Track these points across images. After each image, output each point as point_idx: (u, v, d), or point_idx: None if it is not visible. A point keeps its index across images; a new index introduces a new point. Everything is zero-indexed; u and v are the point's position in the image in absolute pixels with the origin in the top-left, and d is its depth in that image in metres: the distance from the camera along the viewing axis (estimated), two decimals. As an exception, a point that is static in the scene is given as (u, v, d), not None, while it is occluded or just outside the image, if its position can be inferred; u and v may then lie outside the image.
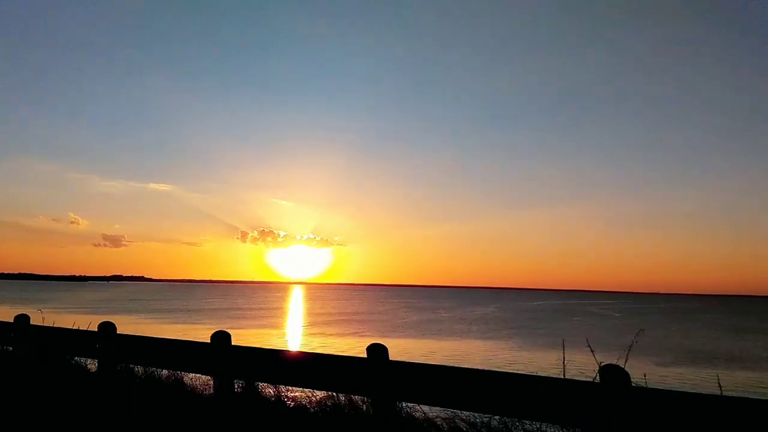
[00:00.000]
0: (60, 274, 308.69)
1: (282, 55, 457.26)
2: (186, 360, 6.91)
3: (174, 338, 7.61)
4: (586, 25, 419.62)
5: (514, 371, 5.09)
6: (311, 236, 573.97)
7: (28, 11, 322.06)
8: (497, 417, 5.00)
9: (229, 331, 6.53)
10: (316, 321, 49.76)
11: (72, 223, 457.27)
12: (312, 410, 6.20)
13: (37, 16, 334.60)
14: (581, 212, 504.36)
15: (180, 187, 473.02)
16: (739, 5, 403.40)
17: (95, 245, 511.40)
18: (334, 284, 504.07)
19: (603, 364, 4.30)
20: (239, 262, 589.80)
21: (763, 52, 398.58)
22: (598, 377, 4.25)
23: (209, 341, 6.58)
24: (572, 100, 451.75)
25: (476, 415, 5.13)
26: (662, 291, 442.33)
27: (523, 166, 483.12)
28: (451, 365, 5.25)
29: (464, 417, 5.25)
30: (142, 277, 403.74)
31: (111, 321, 7.72)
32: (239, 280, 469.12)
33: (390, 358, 5.32)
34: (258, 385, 6.63)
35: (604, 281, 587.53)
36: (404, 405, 5.45)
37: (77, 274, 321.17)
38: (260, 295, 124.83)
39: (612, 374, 4.21)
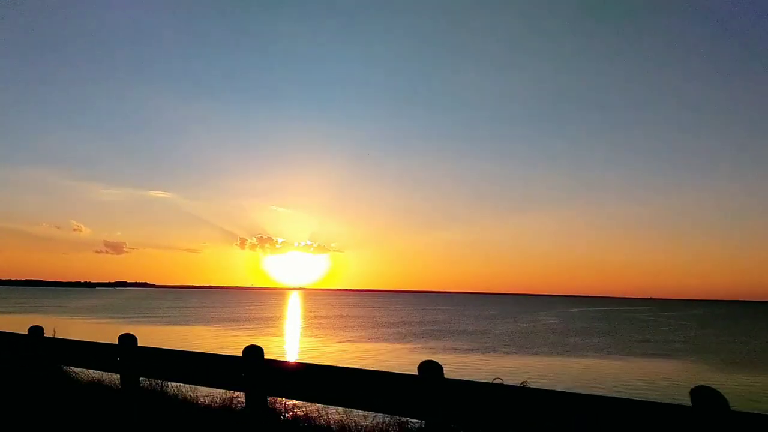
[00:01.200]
0: (66, 280, 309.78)
1: (280, 64, 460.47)
2: (215, 375, 6.45)
3: (200, 351, 7.19)
4: (587, 28, 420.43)
5: (588, 393, 4.51)
6: (309, 242, 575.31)
7: (31, 21, 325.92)
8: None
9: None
10: (392, 333, 40.66)
11: (74, 230, 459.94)
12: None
13: (40, 27, 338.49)
14: (581, 217, 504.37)
15: (180, 195, 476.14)
16: (738, 8, 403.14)
17: (97, 252, 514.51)
18: (331, 290, 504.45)
19: (695, 386, 3.81)
20: (238, 268, 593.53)
21: (763, 55, 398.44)
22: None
23: (240, 355, 6.12)
24: (572, 105, 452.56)
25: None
26: (659, 296, 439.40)
27: (522, 171, 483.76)
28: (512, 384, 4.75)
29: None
30: (146, 283, 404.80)
31: (132, 333, 7.27)
32: (238, 286, 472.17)
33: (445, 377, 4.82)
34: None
35: (604, 287, 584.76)
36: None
37: (82, 281, 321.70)
38: (280, 301, 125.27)
39: (706, 398, 3.70)
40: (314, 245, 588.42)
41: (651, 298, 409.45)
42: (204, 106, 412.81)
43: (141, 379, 7.17)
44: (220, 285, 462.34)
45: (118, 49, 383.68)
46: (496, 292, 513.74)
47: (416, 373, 4.91)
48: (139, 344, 7.20)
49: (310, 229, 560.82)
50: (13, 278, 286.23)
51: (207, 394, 7.00)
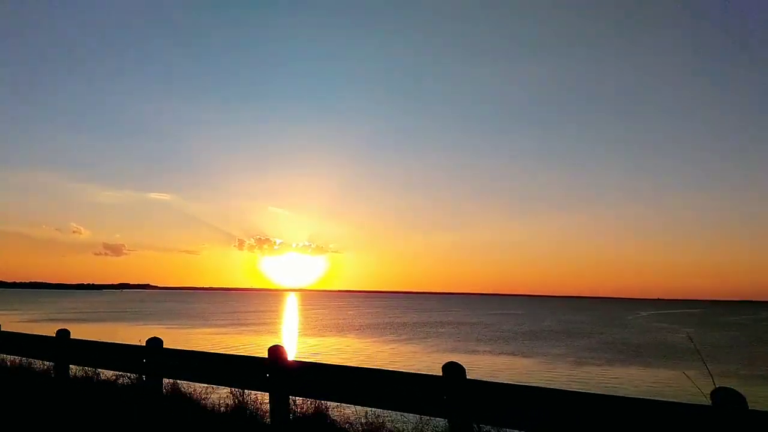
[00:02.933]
0: (68, 282, 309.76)
1: (279, 67, 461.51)
2: (240, 376, 6.62)
3: (226, 353, 7.38)
4: (591, 30, 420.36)
5: (617, 394, 4.65)
6: (307, 243, 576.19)
7: (31, 25, 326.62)
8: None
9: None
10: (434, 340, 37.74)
11: (74, 232, 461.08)
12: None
13: (40, 29, 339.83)
14: (583, 218, 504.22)
15: (179, 197, 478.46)
16: (738, 9, 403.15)
17: (96, 254, 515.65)
18: (329, 291, 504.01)
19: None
20: (236, 269, 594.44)
21: (763, 55, 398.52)
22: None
23: (266, 356, 6.31)
24: (575, 107, 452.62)
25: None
26: (664, 297, 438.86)
27: (523, 172, 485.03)
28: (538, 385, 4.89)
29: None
30: (148, 285, 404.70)
31: (158, 336, 7.46)
32: (235, 287, 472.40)
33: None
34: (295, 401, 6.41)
35: (606, 288, 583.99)
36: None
37: (85, 282, 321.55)
38: (292, 304, 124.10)
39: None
40: (312, 246, 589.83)
41: (658, 299, 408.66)
42: (203, 109, 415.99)
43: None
44: (218, 286, 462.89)
45: (118, 52, 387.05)
46: (495, 293, 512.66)
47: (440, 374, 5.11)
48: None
49: (309, 231, 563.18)
50: (13, 281, 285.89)
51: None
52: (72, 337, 8.51)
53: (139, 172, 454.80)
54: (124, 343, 8.09)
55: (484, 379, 5.15)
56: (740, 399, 3.84)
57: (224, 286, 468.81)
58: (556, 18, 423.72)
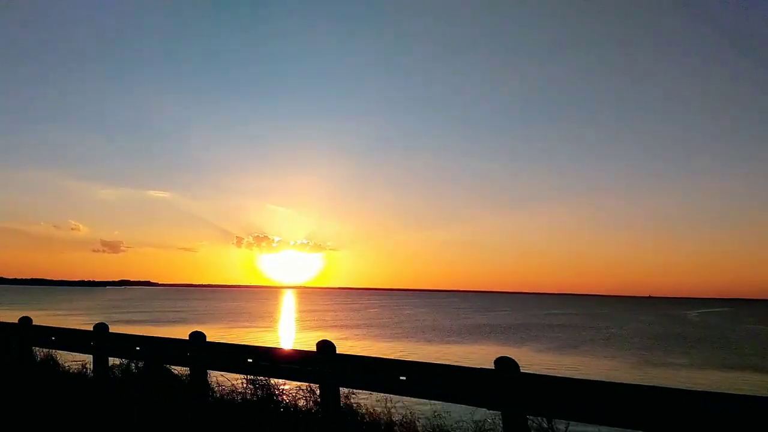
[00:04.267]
0: (69, 279, 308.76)
1: (278, 65, 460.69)
2: (286, 368, 6.77)
3: (269, 345, 7.51)
4: (583, 28, 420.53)
5: (675, 386, 4.75)
6: (305, 241, 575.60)
7: (28, 22, 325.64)
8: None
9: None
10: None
11: (72, 229, 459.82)
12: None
13: (38, 28, 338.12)
14: (578, 214, 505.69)
15: (178, 194, 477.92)
16: (736, 8, 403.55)
17: (94, 251, 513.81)
18: (325, 288, 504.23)
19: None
20: (234, 267, 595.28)
21: (761, 53, 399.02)
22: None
23: (315, 349, 6.46)
24: (569, 103, 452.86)
25: None
26: (656, 295, 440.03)
27: (518, 168, 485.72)
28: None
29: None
30: (149, 282, 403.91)
31: (201, 330, 7.60)
32: (233, 284, 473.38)
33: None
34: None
35: (600, 285, 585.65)
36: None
37: (86, 279, 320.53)
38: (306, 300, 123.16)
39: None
40: (310, 244, 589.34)
41: (649, 296, 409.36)
42: (202, 106, 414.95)
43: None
44: (217, 284, 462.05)
45: (116, 49, 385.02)
46: (492, 290, 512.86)
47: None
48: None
49: (307, 228, 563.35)
50: (13, 277, 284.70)
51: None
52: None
53: (137, 170, 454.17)
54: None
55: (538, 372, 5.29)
56: None
57: (222, 283, 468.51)
58: (555, 18, 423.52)
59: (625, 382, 4.91)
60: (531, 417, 5.16)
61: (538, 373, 5.28)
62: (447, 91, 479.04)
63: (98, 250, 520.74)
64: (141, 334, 8.64)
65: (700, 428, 4.15)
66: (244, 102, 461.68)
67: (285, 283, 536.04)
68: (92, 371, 8.72)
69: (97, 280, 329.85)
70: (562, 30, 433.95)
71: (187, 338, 7.59)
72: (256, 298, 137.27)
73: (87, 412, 6.77)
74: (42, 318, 35.29)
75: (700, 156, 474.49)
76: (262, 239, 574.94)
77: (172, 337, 8.34)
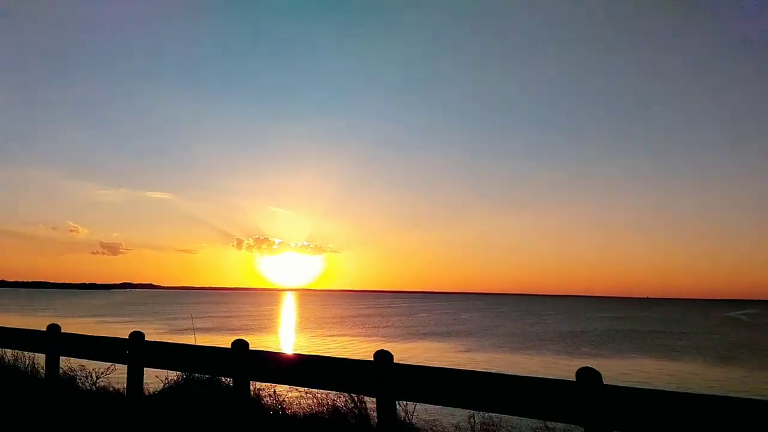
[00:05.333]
0: (70, 282, 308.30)
1: (278, 65, 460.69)
2: (342, 379, 6.47)
3: (311, 354, 7.24)
4: (587, 29, 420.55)
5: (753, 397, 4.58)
6: (305, 243, 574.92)
7: (27, 21, 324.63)
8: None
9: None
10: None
11: (71, 231, 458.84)
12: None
13: (37, 27, 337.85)
14: (581, 216, 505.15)
15: (178, 196, 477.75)
16: (736, 7, 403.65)
17: (93, 253, 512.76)
18: (328, 291, 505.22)
19: None
20: (234, 269, 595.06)
21: (762, 53, 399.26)
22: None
23: (372, 359, 6.14)
24: (571, 105, 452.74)
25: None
26: (654, 296, 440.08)
27: (520, 170, 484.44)
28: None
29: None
30: (151, 284, 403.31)
31: (244, 339, 7.30)
32: (234, 287, 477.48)
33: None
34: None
35: (602, 287, 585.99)
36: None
37: (88, 282, 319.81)
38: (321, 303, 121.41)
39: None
40: (311, 246, 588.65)
41: (647, 298, 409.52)
42: (202, 107, 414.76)
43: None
44: (217, 286, 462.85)
45: (116, 50, 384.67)
46: (494, 292, 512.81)
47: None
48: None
49: (308, 230, 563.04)
50: (15, 280, 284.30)
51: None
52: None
53: (137, 171, 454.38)
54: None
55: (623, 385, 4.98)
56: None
57: (222, 286, 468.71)
58: (561, 17, 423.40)
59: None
60: None
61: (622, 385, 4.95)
62: (449, 92, 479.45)
63: (97, 252, 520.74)
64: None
65: None
66: (245, 103, 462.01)
67: (285, 285, 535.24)
68: (125, 383, 8.39)
69: (99, 282, 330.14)
70: (568, 29, 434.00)
71: (231, 347, 7.27)
72: (277, 302, 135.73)
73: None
74: (73, 325, 34.86)
75: (711, 156, 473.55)
76: (262, 241, 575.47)
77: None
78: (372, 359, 6.14)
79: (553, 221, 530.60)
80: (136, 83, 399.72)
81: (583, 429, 4.89)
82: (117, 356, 8.56)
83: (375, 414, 6.14)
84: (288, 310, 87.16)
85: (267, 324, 55.44)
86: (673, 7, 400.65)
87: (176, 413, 7.03)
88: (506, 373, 5.72)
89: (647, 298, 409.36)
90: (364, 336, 40.55)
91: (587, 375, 4.86)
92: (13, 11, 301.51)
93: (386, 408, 5.96)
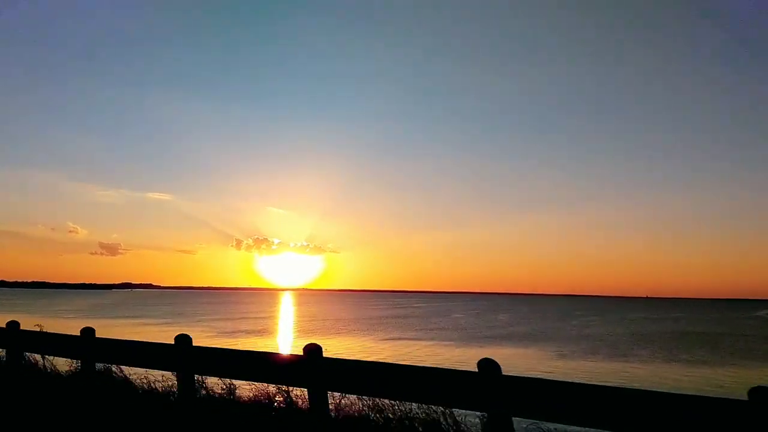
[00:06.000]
0: (71, 282, 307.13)
1: (278, 65, 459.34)
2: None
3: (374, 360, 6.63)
4: (586, 29, 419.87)
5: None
6: (305, 243, 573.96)
7: (28, 21, 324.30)
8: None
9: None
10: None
11: (70, 232, 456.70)
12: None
13: (37, 27, 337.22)
14: (581, 216, 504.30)
15: (178, 196, 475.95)
16: (737, 7, 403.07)
17: (92, 254, 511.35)
18: (326, 291, 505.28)
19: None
20: (233, 269, 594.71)
21: (762, 53, 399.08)
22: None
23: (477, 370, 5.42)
24: (571, 105, 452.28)
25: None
26: (654, 295, 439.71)
27: (521, 170, 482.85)
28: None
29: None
30: (150, 284, 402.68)
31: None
32: (234, 287, 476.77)
33: None
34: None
35: (600, 286, 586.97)
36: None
37: (87, 282, 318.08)
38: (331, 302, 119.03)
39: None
40: (311, 246, 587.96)
41: (647, 297, 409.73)
42: (203, 108, 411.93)
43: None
44: (216, 286, 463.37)
45: (115, 49, 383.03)
46: (494, 291, 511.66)
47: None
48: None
49: (307, 230, 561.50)
50: (14, 280, 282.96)
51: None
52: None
53: (137, 172, 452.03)
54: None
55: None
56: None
57: (222, 286, 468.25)
58: (562, 18, 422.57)
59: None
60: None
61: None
62: (450, 92, 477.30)
63: (96, 253, 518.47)
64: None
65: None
66: (245, 104, 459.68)
67: (284, 285, 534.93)
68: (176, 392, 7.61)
69: (99, 282, 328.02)
70: (570, 31, 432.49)
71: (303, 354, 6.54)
72: (307, 303, 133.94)
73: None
74: (107, 328, 33.01)
75: (711, 157, 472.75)
76: (261, 241, 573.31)
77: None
78: (476, 370, 5.40)
79: (555, 222, 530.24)
80: (135, 84, 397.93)
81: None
82: (164, 363, 7.78)
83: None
84: (324, 312, 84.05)
85: (325, 326, 51.26)
86: (674, 8, 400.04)
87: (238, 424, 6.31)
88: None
89: (647, 297, 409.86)
90: (431, 339, 37.57)
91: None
92: (12, 11, 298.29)
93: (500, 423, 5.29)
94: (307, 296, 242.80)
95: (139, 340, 9.01)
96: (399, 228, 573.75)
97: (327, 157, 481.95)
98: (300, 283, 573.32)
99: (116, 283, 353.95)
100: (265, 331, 43.88)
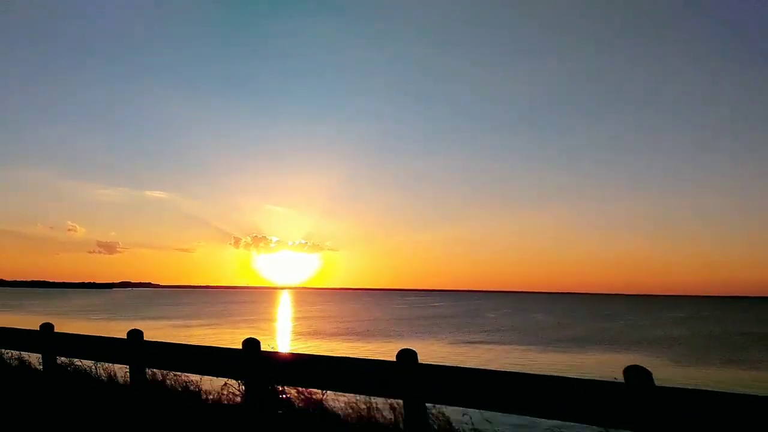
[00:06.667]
0: (71, 281, 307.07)
1: (276, 64, 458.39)
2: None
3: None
4: (582, 28, 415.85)
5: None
6: (303, 241, 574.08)
7: (28, 21, 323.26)
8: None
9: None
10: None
11: (69, 230, 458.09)
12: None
13: (37, 26, 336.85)
14: (577, 214, 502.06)
15: (176, 194, 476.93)
16: (738, 7, 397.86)
17: (90, 252, 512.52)
18: (324, 289, 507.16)
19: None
20: (231, 267, 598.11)
21: (762, 54, 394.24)
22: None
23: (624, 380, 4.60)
24: (569, 105, 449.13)
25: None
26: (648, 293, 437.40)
27: (518, 169, 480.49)
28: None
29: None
30: (150, 283, 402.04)
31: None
32: (232, 285, 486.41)
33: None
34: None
35: (596, 284, 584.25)
36: None
37: (86, 281, 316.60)
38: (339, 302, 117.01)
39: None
40: (308, 244, 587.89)
41: (641, 294, 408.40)
42: (201, 106, 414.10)
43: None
44: (214, 284, 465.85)
45: (114, 50, 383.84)
46: (492, 290, 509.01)
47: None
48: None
49: (305, 228, 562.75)
50: (13, 279, 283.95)
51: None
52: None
53: (136, 170, 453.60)
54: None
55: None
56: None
57: (220, 284, 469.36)
58: (557, 19, 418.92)
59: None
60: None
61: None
62: (448, 91, 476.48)
63: (94, 251, 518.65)
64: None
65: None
66: (243, 103, 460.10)
67: (283, 283, 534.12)
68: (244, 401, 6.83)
69: (99, 281, 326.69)
70: (573, 30, 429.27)
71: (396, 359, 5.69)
72: (323, 302, 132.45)
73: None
74: (156, 330, 32.08)
75: (712, 158, 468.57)
76: (259, 240, 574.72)
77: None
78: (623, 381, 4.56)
79: (552, 220, 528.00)
80: (134, 83, 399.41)
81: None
82: (231, 371, 7.05)
83: None
84: (351, 312, 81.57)
85: (376, 327, 48.35)
86: (675, 9, 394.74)
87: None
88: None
89: (647, 294, 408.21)
90: (510, 343, 34.94)
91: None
92: (11, 12, 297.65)
93: None
94: (309, 295, 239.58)
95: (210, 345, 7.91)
96: (396, 226, 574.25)
97: (325, 156, 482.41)
98: (298, 281, 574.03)
99: (116, 282, 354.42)
100: (327, 334, 40.48)
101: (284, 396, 6.49)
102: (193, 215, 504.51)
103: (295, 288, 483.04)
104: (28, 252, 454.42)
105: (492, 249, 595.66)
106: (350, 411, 6.03)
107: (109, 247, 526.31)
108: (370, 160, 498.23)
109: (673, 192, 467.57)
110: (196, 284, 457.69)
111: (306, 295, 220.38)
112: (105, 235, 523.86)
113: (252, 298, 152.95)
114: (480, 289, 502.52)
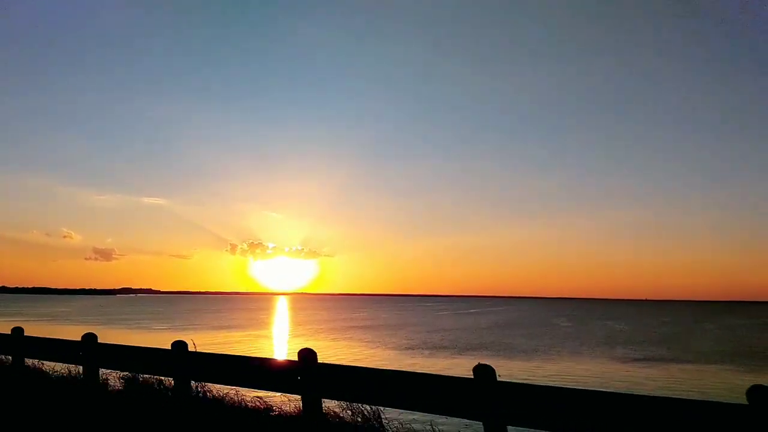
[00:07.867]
0: (70, 287, 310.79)
1: (273, 69, 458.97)
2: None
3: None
4: (588, 32, 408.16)
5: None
6: (299, 248, 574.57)
7: (24, 25, 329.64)
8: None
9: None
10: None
11: (65, 237, 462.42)
12: None
13: (32, 30, 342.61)
14: (579, 221, 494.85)
15: (173, 201, 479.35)
16: (738, 8, 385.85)
17: (86, 259, 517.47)
18: (321, 295, 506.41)
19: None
20: (228, 274, 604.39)
21: (764, 54, 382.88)
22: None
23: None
24: (573, 110, 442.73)
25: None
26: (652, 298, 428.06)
27: (519, 175, 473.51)
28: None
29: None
30: (150, 289, 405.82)
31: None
32: (228, 291, 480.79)
33: None
34: None
35: (597, 289, 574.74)
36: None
37: (86, 287, 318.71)
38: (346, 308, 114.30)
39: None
40: (305, 250, 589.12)
41: (645, 300, 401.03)
42: (197, 111, 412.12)
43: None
44: (210, 291, 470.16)
45: (111, 53, 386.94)
46: (487, 295, 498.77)
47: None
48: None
49: (302, 235, 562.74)
50: (14, 286, 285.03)
51: None
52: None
53: (132, 176, 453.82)
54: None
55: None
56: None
57: (216, 290, 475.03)
58: (567, 21, 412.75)
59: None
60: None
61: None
62: (450, 98, 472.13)
63: (90, 258, 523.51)
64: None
65: None
66: (240, 108, 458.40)
67: (279, 289, 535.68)
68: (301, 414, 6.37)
69: (99, 288, 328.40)
70: (575, 33, 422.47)
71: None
72: (335, 308, 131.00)
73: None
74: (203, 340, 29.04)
75: (712, 158, 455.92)
76: (256, 246, 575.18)
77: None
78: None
79: (552, 227, 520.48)
80: (130, 88, 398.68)
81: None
82: (287, 384, 6.64)
83: None
84: (385, 320, 77.48)
85: (441, 340, 41.84)
86: (675, 12, 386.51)
87: None
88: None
89: (646, 300, 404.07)
90: (663, 359, 30.20)
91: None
92: (6, 14, 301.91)
93: None
94: (308, 301, 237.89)
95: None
96: (393, 232, 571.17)
97: (322, 161, 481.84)
98: (294, 288, 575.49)
99: (117, 288, 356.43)
100: (396, 346, 35.33)
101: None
102: (190, 221, 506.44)
103: (292, 294, 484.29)
104: (24, 259, 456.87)
105: (492, 254, 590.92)
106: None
107: (106, 254, 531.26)
108: (367, 165, 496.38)
109: (678, 198, 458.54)
110: (193, 290, 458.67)
111: (310, 302, 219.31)
112: (101, 241, 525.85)
113: (264, 305, 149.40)
114: (479, 294, 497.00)
